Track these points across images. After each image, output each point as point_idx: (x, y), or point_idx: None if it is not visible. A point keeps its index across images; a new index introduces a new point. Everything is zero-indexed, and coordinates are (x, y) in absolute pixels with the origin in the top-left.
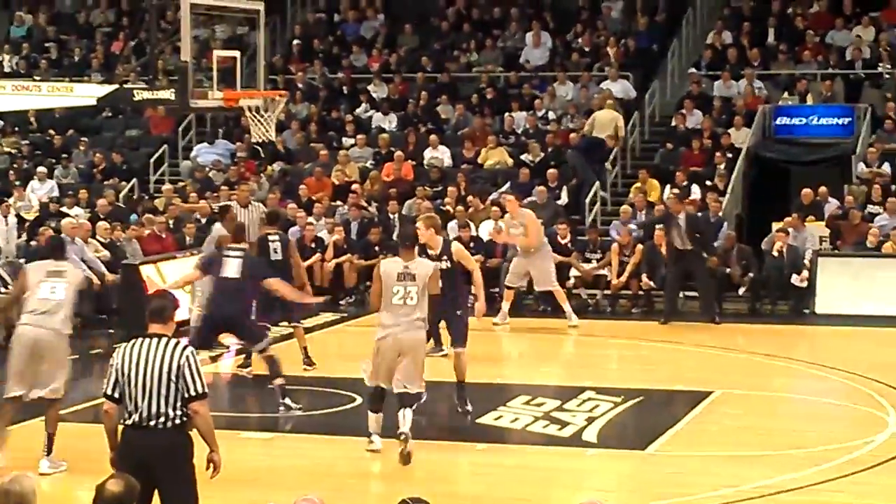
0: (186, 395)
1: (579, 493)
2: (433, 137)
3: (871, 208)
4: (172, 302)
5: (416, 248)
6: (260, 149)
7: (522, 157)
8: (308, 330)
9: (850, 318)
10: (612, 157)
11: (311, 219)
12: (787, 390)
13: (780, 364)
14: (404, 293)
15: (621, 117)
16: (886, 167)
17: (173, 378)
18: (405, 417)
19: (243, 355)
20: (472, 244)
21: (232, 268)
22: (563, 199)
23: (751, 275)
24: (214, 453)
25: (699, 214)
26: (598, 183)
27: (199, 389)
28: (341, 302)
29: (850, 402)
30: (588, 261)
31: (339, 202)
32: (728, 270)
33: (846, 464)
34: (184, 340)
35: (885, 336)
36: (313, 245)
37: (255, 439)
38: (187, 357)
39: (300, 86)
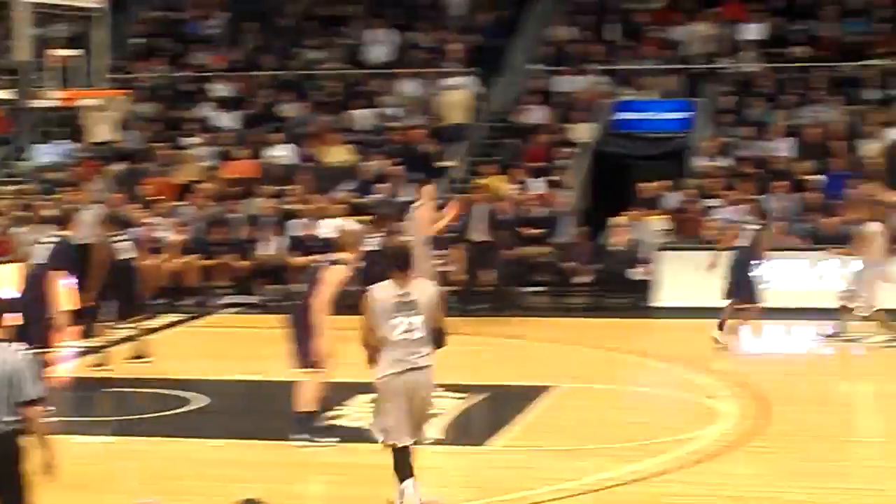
0: (20, 400)
1: (420, 491)
2: (276, 135)
3: (709, 202)
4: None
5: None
6: (101, 148)
7: (370, 163)
8: (152, 330)
9: (690, 311)
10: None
11: (152, 218)
12: (628, 383)
13: (621, 357)
14: (407, 326)
15: (472, 96)
16: (724, 160)
17: (6, 382)
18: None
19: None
20: (314, 242)
21: (41, 253)
22: (407, 195)
23: (594, 268)
24: (49, 458)
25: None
26: (440, 179)
27: (34, 394)
28: (183, 302)
29: (689, 393)
30: (433, 256)
31: (181, 202)
32: (572, 265)
33: (682, 455)
34: (18, 344)
35: None
36: (155, 245)
37: (91, 443)
38: (23, 360)
39: (142, 85)
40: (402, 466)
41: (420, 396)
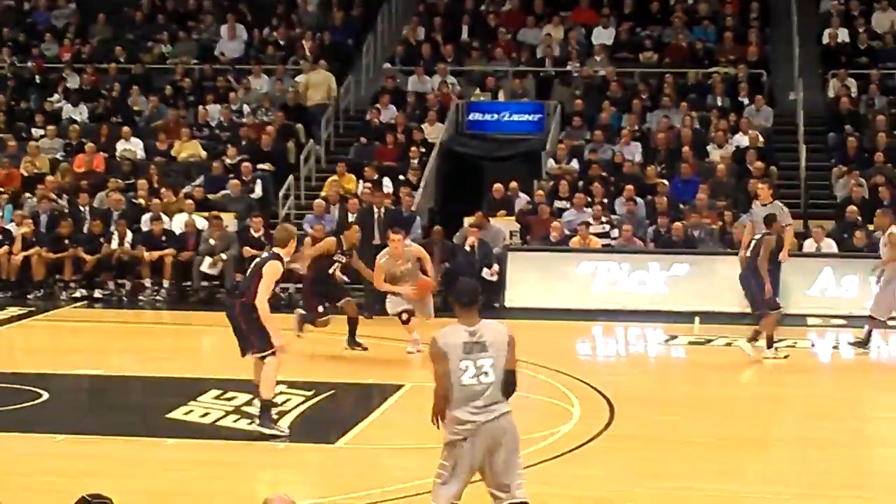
0: None
1: (269, 488)
2: (125, 129)
3: (559, 203)
4: None
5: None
6: None
7: (224, 159)
8: None
9: (539, 312)
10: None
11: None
12: None
13: None
14: (476, 370)
15: (333, 77)
16: (575, 163)
17: None
18: None
19: None
20: (163, 237)
21: None
22: (258, 192)
23: (446, 265)
24: None
25: (394, 208)
26: (291, 177)
27: None
28: (29, 296)
29: (538, 394)
30: None
31: (28, 194)
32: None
33: (531, 454)
34: None
35: (571, 329)
36: (1, 237)
37: None
38: None
39: None
40: None
41: (501, 443)
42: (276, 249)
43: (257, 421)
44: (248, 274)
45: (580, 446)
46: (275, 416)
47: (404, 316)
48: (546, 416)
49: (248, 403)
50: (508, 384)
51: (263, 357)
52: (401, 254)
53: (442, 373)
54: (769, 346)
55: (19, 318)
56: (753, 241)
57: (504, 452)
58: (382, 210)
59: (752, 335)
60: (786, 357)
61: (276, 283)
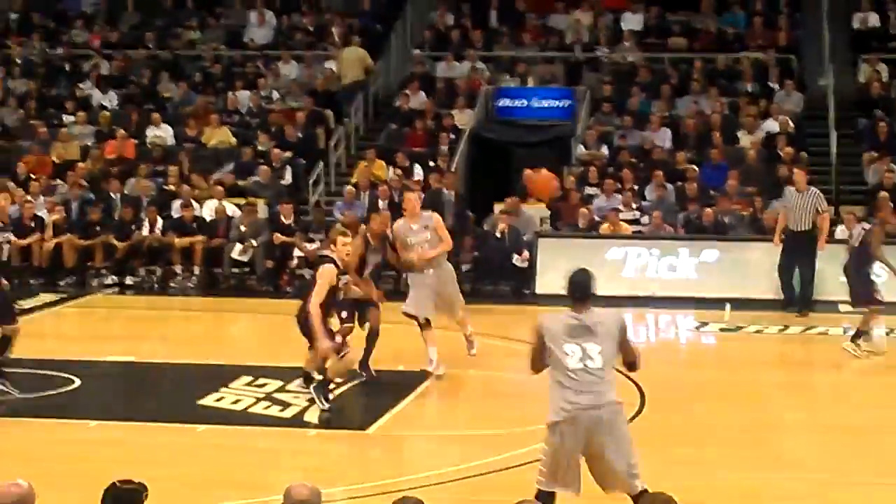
0: None
1: (300, 475)
2: (155, 116)
3: (589, 190)
4: None
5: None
6: None
7: (255, 145)
8: (27, 311)
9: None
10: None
11: (29, 197)
12: (506, 370)
13: (499, 344)
14: (582, 353)
15: (367, 54)
16: (604, 149)
17: None
18: None
19: None
20: (194, 224)
21: None
22: (287, 178)
23: (475, 254)
24: None
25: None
26: (321, 163)
27: None
28: (60, 283)
29: None
30: (311, 240)
31: (58, 181)
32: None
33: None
34: None
35: None
36: (32, 224)
37: None
38: None
39: (18, 61)
40: None
41: (606, 432)
42: (326, 252)
43: (312, 389)
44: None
45: None
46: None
47: (422, 319)
48: None
49: (280, 390)
50: (631, 365)
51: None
52: (416, 213)
53: (533, 352)
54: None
55: (51, 304)
56: (861, 232)
57: (605, 443)
58: (453, 193)
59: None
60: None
61: (338, 281)
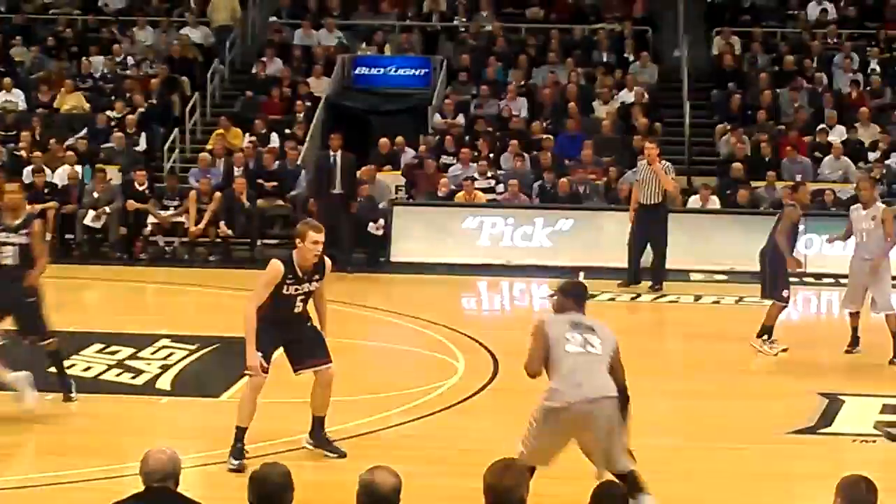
0: None
1: (152, 441)
2: (7, 80)
3: (445, 159)
4: None
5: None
6: None
7: (108, 113)
8: None
9: (424, 266)
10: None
11: None
12: (362, 337)
13: (354, 312)
14: (583, 340)
15: None
16: (460, 118)
17: None
18: None
19: None
20: (46, 190)
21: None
22: (142, 145)
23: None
24: None
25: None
26: (176, 130)
27: None
28: None
29: (423, 348)
30: (166, 208)
31: None
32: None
33: (416, 408)
34: None
35: (456, 284)
36: None
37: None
38: None
39: None
40: None
41: (591, 433)
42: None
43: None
44: None
45: (465, 399)
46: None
47: None
48: (431, 370)
49: (133, 357)
50: (623, 394)
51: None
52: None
53: (532, 352)
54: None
55: None
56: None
57: (596, 435)
58: (339, 154)
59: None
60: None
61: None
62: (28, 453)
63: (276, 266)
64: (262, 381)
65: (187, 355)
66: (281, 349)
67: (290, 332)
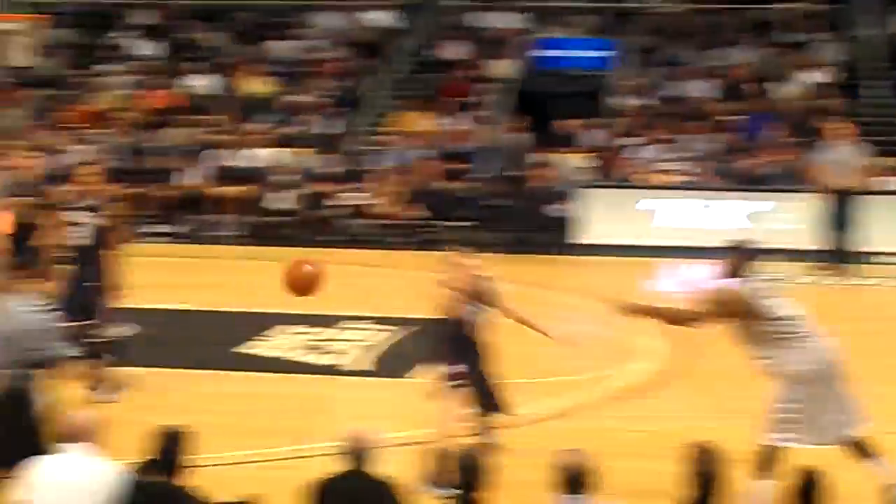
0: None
1: (346, 422)
2: (196, 65)
3: (628, 140)
4: None
5: None
6: (19, 73)
7: (294, 98)
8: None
9: (608, 248)
10: None
11: (69, 146)
12: (551, 319)
13: (543, 294)
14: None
15: None
16: (644, 99)
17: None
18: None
19: None
20: (234, 173)
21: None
22: (327, 128)
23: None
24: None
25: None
26: (361, 113)
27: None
28: None
29: (609, 330)
30: (352, 189)
31: (98, 130)
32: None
33: (603, 391)
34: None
35: (641, 265)
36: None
37: None
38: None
39: (59, 11)
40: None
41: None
42: None
43: None
44: None
45: (652, 383)
46: None
47: None
48: (619, 352)
49: (324, 339)
50: None
51: None
52: None
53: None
54: None
55: None
56: None
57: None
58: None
59: None
60: None
61: None
62: (220, 434)
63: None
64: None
65: (385, 337)
66: None
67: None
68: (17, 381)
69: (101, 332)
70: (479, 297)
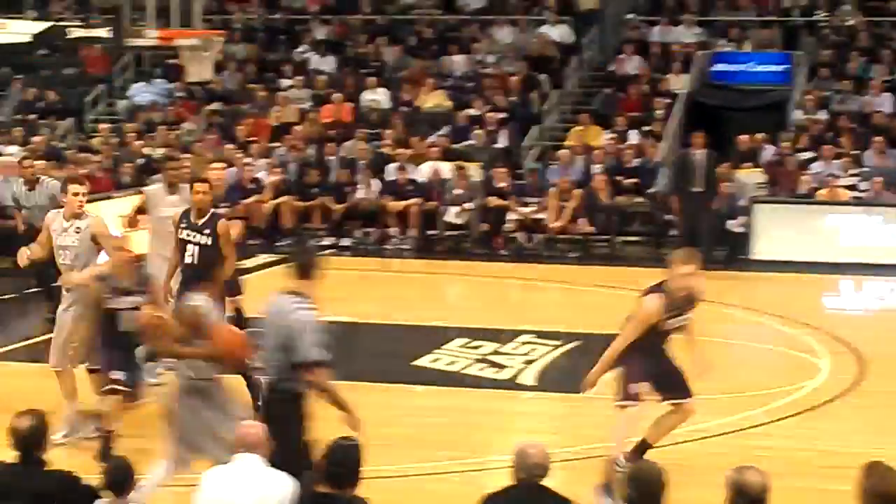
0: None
1: (515, 436)
2: (371, 79)
3: (806, 155)
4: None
5: None
6: (197, 89)
7: (468, 112)
8: (246, 271)
9: (786, 265)
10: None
11: (248, 160)
12: (722, 335)
13: (717, 309)
14: None
15: None
16: (822, 114)
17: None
18: None
19: None
20: (409, 187)
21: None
22: (502, 142)
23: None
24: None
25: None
26: (535, 127)
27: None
28: (279, 243)
29: (785, 347)
30: (526, 204)
31: (276, 143)
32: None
33: (777, 409)
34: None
35: (819, 282)
36: (251, 186)
37: None
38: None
39: (238, 26)
40: None
41: None
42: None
43: None
44: None
45: (828, 401)
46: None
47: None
48: (794, 370)
49: (496, 352)
50: None
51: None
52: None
53: None
54: None
55: (270, 265)
56: None
57: None
58: (701, 153)
59: None
60: None
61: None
62: (393, 446)
63: (653, 303)
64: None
65: (550, 351)
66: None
67: (662, 364)
68: (287, 379)
69: None
70: (690, 303)
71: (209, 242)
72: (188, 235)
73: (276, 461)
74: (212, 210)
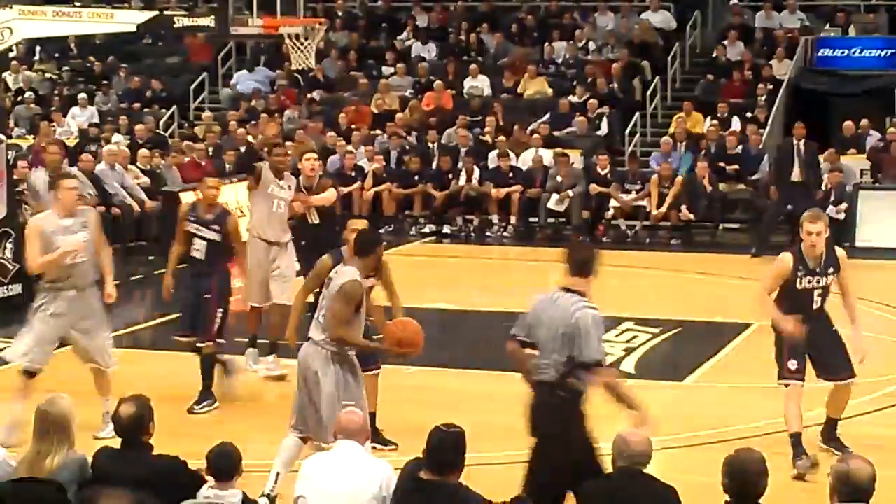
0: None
1: (616, 424)
2: (473, 67)
3: None
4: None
5: None
6: (300, 77)
7: (570, 98)
8: None
9: (890, 252)
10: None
11: (350, 147)
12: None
13: None
14: None
15: None
16: None
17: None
18: None
19: None
20: (510, 174)
21: None
22: (604, 129)
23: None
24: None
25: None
26: (637, 114)
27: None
28: (380, 230)
29: (889, 335)
30: (627, 191)
31: (378, 131)
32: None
33: (882, 397)
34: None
35: None
36: (353, 173)
37: None
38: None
39: (340, 14)
40: None
41: None
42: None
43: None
44: None
45: None
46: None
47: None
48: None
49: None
50: None
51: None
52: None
53: None
54: None
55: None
56: None
57: None
58: (802, 142)
59: None
60: None
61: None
62: (501, 433)
63: (783, 259)
64: (800, 389)
65: (651, 338)
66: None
67: (813, 335)
68: (571, 379)
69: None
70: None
71: (217, 238)
72: (196, 229)
73: (558, 462)
74: (221, 206)
